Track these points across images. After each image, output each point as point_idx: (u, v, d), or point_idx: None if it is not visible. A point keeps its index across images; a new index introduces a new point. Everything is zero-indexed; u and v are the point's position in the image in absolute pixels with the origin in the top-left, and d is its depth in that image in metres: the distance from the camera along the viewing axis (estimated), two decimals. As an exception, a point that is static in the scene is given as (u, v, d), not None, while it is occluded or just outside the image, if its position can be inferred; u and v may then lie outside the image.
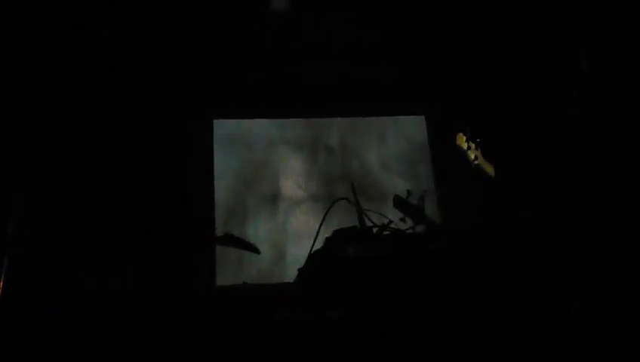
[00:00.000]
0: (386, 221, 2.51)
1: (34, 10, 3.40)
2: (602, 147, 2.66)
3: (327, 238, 2.33)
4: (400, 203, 2.55)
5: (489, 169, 2.58)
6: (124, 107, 3.79)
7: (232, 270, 3.73)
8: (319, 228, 2.51)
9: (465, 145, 2.59)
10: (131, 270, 3.34)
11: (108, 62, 3.79)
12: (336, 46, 4.06)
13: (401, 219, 2.47)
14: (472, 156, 2.58)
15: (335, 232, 2.30)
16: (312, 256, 2.35)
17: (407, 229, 2.51)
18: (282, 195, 4.02)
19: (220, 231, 3.68)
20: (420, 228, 2.64)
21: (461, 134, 2.60)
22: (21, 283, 3.00)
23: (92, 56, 3.73)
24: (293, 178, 4.03)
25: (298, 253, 3.80)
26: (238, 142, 4.09)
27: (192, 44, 3.92)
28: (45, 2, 3.41)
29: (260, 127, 4.16)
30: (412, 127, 4.29)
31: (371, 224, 2.48)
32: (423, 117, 4.31)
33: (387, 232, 2.42)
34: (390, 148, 4.23)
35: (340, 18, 3.89)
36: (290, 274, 3.76)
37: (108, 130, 3.71)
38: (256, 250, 2.99)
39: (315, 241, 2.41)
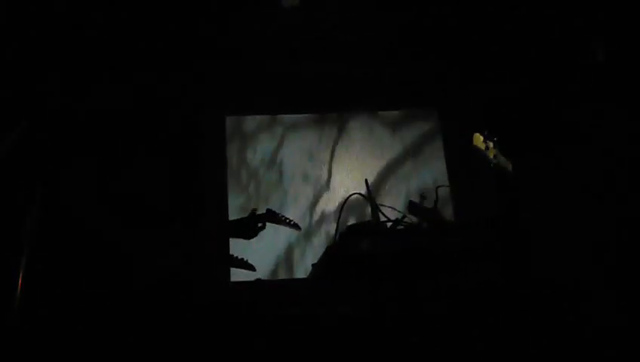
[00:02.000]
0: (399, 215, 2.49)
1: (34, 10, 3.41)
2: (616, 144, 2.63)
3: (340, 233, 2.32)
4: (415, 209, 2.53)
5: (509, 167, 2.54)
6: (136, 105, 3.81)
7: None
8: (337, 223, 2.51)
9: (483, 146, 2.52)
10: (144, 266, 3.36)
11: (120, 59, 3.81)
12: (347, 43, 4.05)
13: (418, 224, 2.43)
14: (491, 155, 2.52)
15: (349, 227, 2.29)
16: (327, 252, 2.34)
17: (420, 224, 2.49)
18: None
19: None
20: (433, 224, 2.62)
21: (478, 134, 2.53)
22: (37, 282, 3.03)
23: (104, 54, 3.75)
24: None
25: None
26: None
27: (205, 42, 3.94)
28: (46, 2, 3.42)
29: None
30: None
31: (385, 219, 2.47)
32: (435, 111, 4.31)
33: (401, 227, 2.40)
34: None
35: (351, 16, 3.88)
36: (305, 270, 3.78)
37: (122, 129, 3.73)
38: (296, 226, 3.07)
39: (336, 236, 2.41)
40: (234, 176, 4.03)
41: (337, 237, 2.38)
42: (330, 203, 4.01)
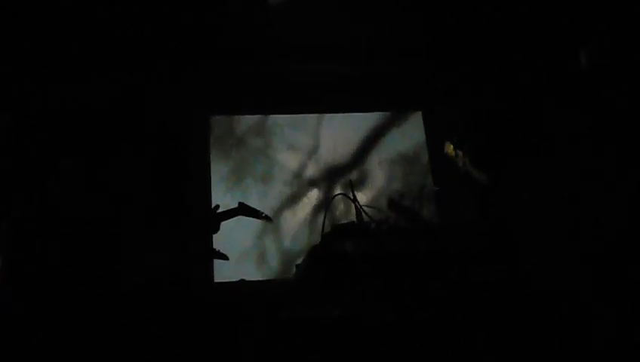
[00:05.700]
0: (383, 217, 2.51)
1: (35, 7, 3.38)
2: (597, 145, 2.66)
3: (324, 234, 2.33)
4: (394, 205, 2.58)
5: (478, 174, 2.66)
6: (120, 104, 3.79)
7: (229, 266, 3.73)
8: (323, 224, 2.52)
9: (453, 153, 2.68)
10: (128, 267, 3.33)
11: (104, 59, 3.78)
12: (334, 43, 4.06)
13: (396, 221, 2.48)
14: (461, 163, 2.67)
15: (333, 228, 2.30)
16: (310, 252, 2.35)
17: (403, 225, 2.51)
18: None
19: None
20: (417, 225, 2.64)
21: (449, 143, 2.70)
22: (15, 284, 2.99)
23: (87, 54, 3.72)
24: None
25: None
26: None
27: (189, 41, 3.92)
28: (44, 1, 3.40)
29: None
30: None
31: (369, 220, 2.48)
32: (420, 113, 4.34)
33: (385, 228, 2.41)
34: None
35: (337, 16, 3.89)
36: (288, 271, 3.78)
37: (104, 128, 3.71)
38: (268, 219, 3.04)
39: (322, 236, 2.41)
40: (219, 143, 4.08)
41: (321, 237, 2.39)
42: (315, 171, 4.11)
